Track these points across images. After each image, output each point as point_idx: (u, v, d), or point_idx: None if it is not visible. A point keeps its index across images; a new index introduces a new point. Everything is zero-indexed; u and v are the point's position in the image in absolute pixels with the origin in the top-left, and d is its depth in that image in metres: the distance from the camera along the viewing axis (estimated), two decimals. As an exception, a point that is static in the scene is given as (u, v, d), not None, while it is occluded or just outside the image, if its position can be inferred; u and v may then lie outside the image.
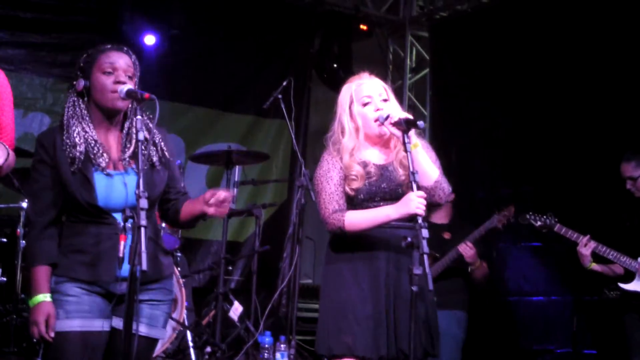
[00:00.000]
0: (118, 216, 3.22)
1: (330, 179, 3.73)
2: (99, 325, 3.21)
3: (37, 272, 3.18)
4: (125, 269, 3.13)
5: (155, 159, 3.32)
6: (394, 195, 3.71)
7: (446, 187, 3.79)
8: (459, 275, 6.02)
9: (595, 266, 5.50)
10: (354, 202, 3.72)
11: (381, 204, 3.70)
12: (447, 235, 6.11)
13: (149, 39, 7.70)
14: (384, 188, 3.71)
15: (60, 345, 3.17)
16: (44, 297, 3.16)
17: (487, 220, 6.01)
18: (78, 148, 3.20)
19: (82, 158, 3.21)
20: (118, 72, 3.24)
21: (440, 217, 6.27)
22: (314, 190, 3.84)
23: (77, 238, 3.22)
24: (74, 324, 3.16)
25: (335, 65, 8.55)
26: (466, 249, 5.84)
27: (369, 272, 3.69)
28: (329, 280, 3.81)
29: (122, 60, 3.27)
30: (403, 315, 3.64)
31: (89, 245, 3.21)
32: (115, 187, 3.23)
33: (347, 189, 3.72)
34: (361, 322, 3.64)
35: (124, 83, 3.22)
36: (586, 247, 5.43)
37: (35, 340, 3.25)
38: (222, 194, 3.25)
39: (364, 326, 3.63)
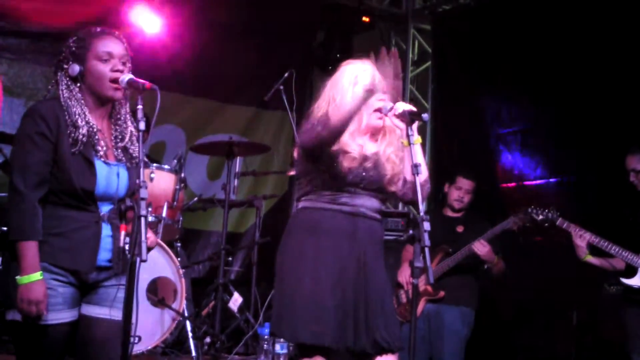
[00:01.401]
0: (101, 205, 3.21)
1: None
2: (71, 315, 3.19)
3: (31, 247, 3.07)
4: (104, 258, 3.18)
5: (135, 154, 3.31)
6: (375, 186, 3.70)
7: (428, 188, 3.76)
8: (469, 272, 5.98)
9: (590, 258, 5.49)
10: (338, 181, 3.64)
11: (363, 191, 3.68)
12: (460, 229, 6.08)
13: (152, 29, 7.68)
14: (371, 177, 3.69)
15: (33, 337, 3.13)
16: (41, 276, 3.07)
17: (504, 220, 5.93)
18: (81, 130, 3.16)
19: (85, 141, 3.17)
20: (114, 60, 3.22)
21: (454, 213, 6.23)
22: (304, 132, 3.71)
23: (58, 221, 3.15)
24: (48, 317, 3.12)
25: (338, 56, 8.53)
26: (480, 247, 5.79)
27: (341, 257, 3.62)
28: (297, 259, 3.69)
29: (117, 47, 3.25)
30: (373, 306, 3.61)
31: (70, 231, 3.16)
32: (110, 177, 3.22)
33: (343, 164, 3.64)
34: (330, 310, 3.56)
35: (121, 71, 3.21)
36: (581, 238, 5.43)
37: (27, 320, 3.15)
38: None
39: (331, 315, 3.55)
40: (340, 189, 3.67)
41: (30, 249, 3.07)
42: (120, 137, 3.30)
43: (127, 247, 3.13)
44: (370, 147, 3.76)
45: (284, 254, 3.78)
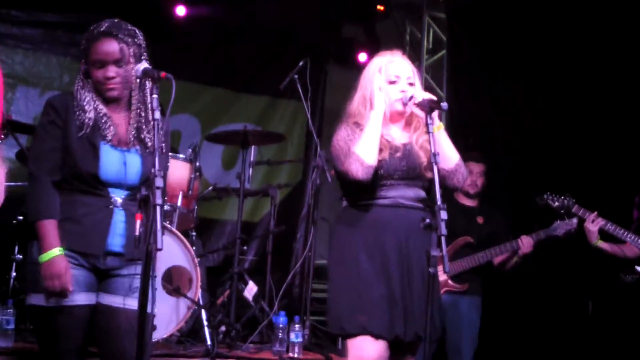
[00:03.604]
0: (112, 191, 3.27)
1: (350, 140, 3.71)
2: (85, 299, 3.24)
3: (48, 225, 3.19)
4: (116, 243, 3.23)
5: (150, 143, 3.33)
6: (411, 174, 3.72)
7: (464, 171, 3.79)
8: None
9: (602, 244, 5.46)
10: (373, 176, 3.67)
11: (399, 182, 3.70)
12: (480, 220, 6.06)
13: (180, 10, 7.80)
14: (403, 166, 3.72)
15: (47, 320, 3.20)
16: (60, 251, 3.17)
17: (550, 226, 5.85)
18: (87, 114, 3.25)
19: (91, 125, 3.25)
20: (107, 67, 3.28)
21: (469, 200, 6.20)
22: (333, 156, 3.77)
23: (70, 206, 3.24)
24: (61, 300, 3.18)
25: (350, 44, 8.55)
26: (527, 245, 5.76)
27: (383, 249, 3.67)
28: (340, 255, 3.78)
29: (111, 50, 3.28)
30: (417, 296, 3.64)
31: (81, 214, 3.23)
32: (117, 162, 3.27)
33: None
34: (376, 300, 3.62)
35: (111, 78, 3.26)
36: (594, 223, 5.41)
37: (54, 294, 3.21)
38: None
39: (378, 305, 3.62)
40: (376, 183, 3.70)
41: (47, 227, 3.18)
42: (136, 125, 3.34)
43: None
44: (401, 137, 3.80)
45: (330, 253, 3.90)
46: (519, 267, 6.01)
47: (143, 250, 2.94)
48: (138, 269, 3.23)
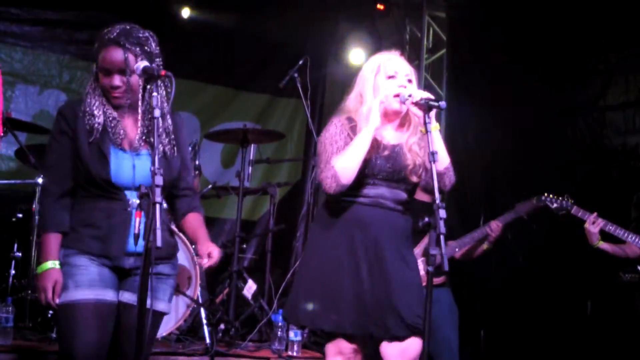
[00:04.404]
0: (129, 193, 3.27)
1: (335, 142, 3.69)
2: (109, 295, 3.27)
3: (48, 238, 3.26)
4: (139, 244, 3.17)
5: (167, 148, 3.34)
6: (395, 176, 3.71)
7: (452, 175, 3.77)
8: None
9: (603, 244, 5.45)
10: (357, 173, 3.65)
11: (382, 182, 3.70)
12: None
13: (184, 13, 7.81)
14: (388, 168, 3.71)
15: (71, 316, 3.21)
16: (53, 264, 3.23)
17: (513, 209, 5.86)
18: (97, 119, 3.26)
19: (100, 129, 3.26)
20: (112, 75, 3.27)
21: (425, 196, 6.19)
22: (317, 153, 3.78)
23: (88, 212, 3.27)
24: (85, 294, 3.21)
25: (341, 43, 8.57)
26: (496, 228, 5.75)
27: (356, 247, 3.67)
28: (315, 250, 3.79)
29: (115, 59, 3.26)
30: (387, 293, 3.64)
31: (99, 219, 3.26)
32: (128, 166, 3.28)
33: None
34: (346, 299, 3.63)
35: (117, 87, 3.26)
36: (594, 224, 5.39)
37: (43, 307, 3.29)
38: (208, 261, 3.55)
39: (349, 303, 3.63)
40: (360, 181, 3.68)
41: (48, 240, 3.26)
42: (145, 130, 3.34)
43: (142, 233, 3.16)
44: (392, 138, 3.78)
45: (306, 246, 3.92)
46: (489, 254, 6.00)
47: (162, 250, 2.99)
48: (159, 267, 3.33)
